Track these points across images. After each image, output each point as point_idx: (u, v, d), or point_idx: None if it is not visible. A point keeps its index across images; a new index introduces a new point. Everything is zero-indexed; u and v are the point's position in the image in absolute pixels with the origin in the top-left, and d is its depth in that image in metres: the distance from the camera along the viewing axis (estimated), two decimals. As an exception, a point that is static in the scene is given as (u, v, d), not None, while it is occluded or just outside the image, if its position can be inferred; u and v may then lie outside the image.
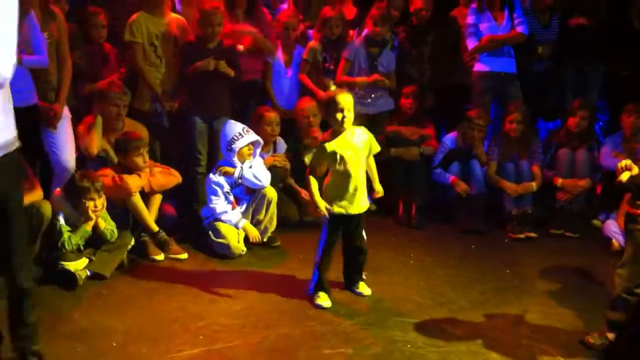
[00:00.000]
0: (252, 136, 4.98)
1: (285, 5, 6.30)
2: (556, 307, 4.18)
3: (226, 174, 4.98)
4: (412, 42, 6.25)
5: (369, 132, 4.17)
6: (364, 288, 4.29)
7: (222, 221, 4.95)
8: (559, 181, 5.75)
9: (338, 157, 4.01)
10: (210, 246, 4.95)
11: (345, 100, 3.98)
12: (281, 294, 4.25)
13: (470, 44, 6.04)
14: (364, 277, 4.33)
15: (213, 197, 4.98)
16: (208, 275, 4.60)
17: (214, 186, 4.96)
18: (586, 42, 6.07)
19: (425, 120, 6.13)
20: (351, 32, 6.22)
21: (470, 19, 6.03)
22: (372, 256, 4.47)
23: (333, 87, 4.21)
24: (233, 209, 5.02)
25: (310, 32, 6.19)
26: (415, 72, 6.21)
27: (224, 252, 4.89)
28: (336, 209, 4.06)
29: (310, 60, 5.98)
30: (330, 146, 4.01)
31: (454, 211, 5.74)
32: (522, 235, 5.40)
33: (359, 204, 4.11)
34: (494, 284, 4.50)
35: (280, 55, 5.99)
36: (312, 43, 6.03)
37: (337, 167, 4.03)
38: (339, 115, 3.97)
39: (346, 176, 4.04)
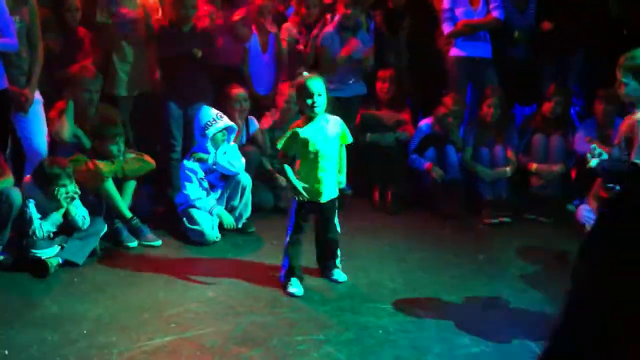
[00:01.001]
0: (225, 121, 4.95)
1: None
2: (527, 291, 4.21)
3: (200, 161, 4.95)
4: (388, 26, 6.22)
5: (343, 123, 4.15)
6: (339, 275, 4.30)
7: (196, 208, 4.93)
8: (534, 166, 5.78)
9: (309, 143, 3.99)
10: (185, 233, 4.93)
11: (315, 85, 3.95)
12: (255, 281, 4.25)
13: (446, 28, 6.03)
14: (338, 264, 4.33)
15: (187, 184, 4.95)
16: (181, 262, 4.58)
17: (187, 172, 4.94)
18: (563, 30, 6.07)
19: (402, 105, 6.12)
20: (327, 16, 6.17)
21: (445, 4, 6.01)
22: (346, 242, 4.48)
23: (305, 73, 4.17)
24: (207, 195, 5.00)
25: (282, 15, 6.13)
26: (392, 57, 6.19)
27: (198, 239, 4.87)
28: (308, 197, 4.03)
29: (287, 39, 5.94)
30: (301, 132, 3.99)
31: (430, 197, 5.75)
32: (496, 220, 5.42)
33: (329, 192, 4.10)
34: (467, 269, 4.53)
35: (256, 39, 5.94)
36: (287, 24, 5.98)
37: (308, 153, 4.00)
38: (309, 101, 3.95)
39: (316, 163, 4.02)
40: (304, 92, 3.96)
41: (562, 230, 5.29)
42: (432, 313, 3.87)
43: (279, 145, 4.03)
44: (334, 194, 4.16)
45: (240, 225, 5.07)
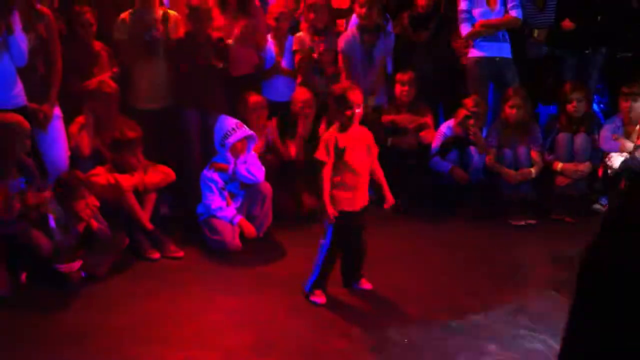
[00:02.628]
0: (245, 131, 4.93)
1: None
2: (556, 295, 4.11)
3: (220, 170, 4.93)
4: (415, 28, 6.15)
5: (369, 133, 4.11)
6: (365, 283, 4.21)
7: (217, 217, 4.91)
8: (559, 165, 5.67)
9: (345, 153, 3.93)
10: (206, 243, 4.91)
11: (355, 96, 3.91)
12: (277, 289, 4.21)
13: (464, 29, 5.96)
14: (363, 272, 4.25)
15: (208, 194, 4.94)
16: (203, 272, 4.56)
17: (208, 182, 4.92)
18: (585, 28, 5.97)
19: (423, 108, 6.05)
20: (339, 21, 6.14)
21: (463, 5, 5.95)
22: (369, 247, 4.41)
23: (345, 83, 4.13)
24: (228, 204, 4.98)
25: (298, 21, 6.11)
26: (419, 59, 6.10)
27: (219, 249, 4.85)
28: (342, 206, 3.96)
29: (301, 50, 5.91)
30: (340, 141, 3.93)
31: (454, 200, 5.67)
32: (522, 222, 5.33)
33: (362, 201, 4.05)
34: (493, 273, 4.44)
35: (272, 48, 5.92)
36: (300, 33, 5.95)
37: (343, 163, 3.94)
38: (349, 112, 3.89)
39: (352, 172, 3.96)
40: (344, 103, 3.90)
41: (589, 231, 5.15)
42: (458, 319, 3.80)
43: (319, 157, 3.93)
44: (365, 202, 4.09)
45: (261, 234, 5.03)
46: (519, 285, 4.26)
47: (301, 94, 5.70)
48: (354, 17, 6.08)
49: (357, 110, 3.90)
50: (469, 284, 4.27)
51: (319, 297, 4.02)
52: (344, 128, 3.95)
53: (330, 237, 3.98)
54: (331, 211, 3.89)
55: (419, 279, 4.36)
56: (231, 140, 4.88)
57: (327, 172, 3.91)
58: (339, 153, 3.93)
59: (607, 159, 4.15)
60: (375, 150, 4.10)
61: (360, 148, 3.98)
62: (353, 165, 3.95)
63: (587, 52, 6.07)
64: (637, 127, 5.26)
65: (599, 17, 5.95)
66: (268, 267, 4.64)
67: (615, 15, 5.95)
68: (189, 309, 3.99)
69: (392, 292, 4.16)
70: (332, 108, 4.07)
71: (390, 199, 4.13)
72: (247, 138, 4.97)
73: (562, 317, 3.81)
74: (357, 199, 4.01)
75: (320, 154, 3.93)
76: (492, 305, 3.97)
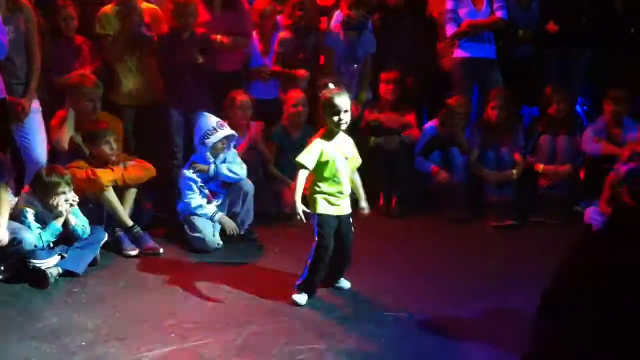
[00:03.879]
0: (226, 131, 4.90)
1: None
2: (537, 296, 4.09)
3: (201, 172, 4.91)
4: (387, 28, 6.16)
5: (353, 143, 4.10)
6: (343, 282, 4.21)
7: (197, 215, 4.88)
8: (541, 167, 5.69)
9: (330, 160, 3.93)
10: (187, 241, 4.88)
11: (342, 101, 3.87)
12: (256, 289, 4.17)
13: (450, 30, 5.96)
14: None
15: (188, 192, 4.91)
16: (183, 271, 4.52)
17: (187, 181, 4.89)
18: (569, 30, 5.99)
19: (407, 108, 6.04)
20: (323, 19, 6.11)
21: (449, 5, 5.94)
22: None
23: (331, 86, 4.05)
24: (209, 202, 4.95)
25: (280, 18, 6.07)
26: (392, 59, 6.11)
27: (200, 247, 4.82)
28: (329, 210, 3.96)
29: (282, 51, 5.87)
30: (326, 148, 3.92)
31: (436, 200, 5.68)
32: (503, 224, 5.34)
33: (347, 204, 4.05)
34: (474, 274, 4.44)
35: (257, 45, 5.89)
36: (283, 34, 5.91)
37: (328, 170, 3.94)
38: (335, 118, 3.87)
39: (336, 179, 3.96)
40: (331, 108, 3.88)
41: (570, 232, 5.19)
42: (437, 320, 3.80)
43: (301, 159, 3.92)
44: (349, 209, 4.08)
45: (242, 232, 5.00)
46: (500, 286, 4.26)
47: (296, 92, 5.66)
48: (337, 14, 6.05)
49: (344, 116, 3.88)
50: (450, 286, 4.27)
51: (301, 299, 3.97)
52: (330, 135, 3.94)
53: (318, 240, 3.95)
54: (301, 213, 3.88)
55: (400, 280, 4.35)
56: (212, 140, 4.85)
57: (303, 176, 3.90)
58: (323, 163, 3.93)
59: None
60: (357, 160, 4.10)
61: (343, 156, 3.98)
62: (336, 175, 3.96)
63: (571, 53, 6.09)
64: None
65: (583, 19, 5.97)
66: (249, 266, 4.61)
67: (600, 18, 5.96)
68: (167, 307, 3.95)
69: (371, 294, 4.15)
70: (320, 113, 4.05)
71: (363, 207, 4.18)
72: (228, 138, 4.93)
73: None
74: (343, 204, 4.02)
75: (303, 159, 3.91)
76: (473, 306, 3.96)
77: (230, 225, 4.90)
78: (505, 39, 6.07)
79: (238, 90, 5.51)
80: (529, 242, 5.05)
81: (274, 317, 3.83)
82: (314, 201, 3.97)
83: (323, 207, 3.96)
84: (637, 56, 5.81)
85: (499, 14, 5.93)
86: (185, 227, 4.90)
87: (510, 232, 5.29)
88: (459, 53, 6.02)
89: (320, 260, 3.97)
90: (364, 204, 4.18)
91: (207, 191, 4.97)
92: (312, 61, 5.98)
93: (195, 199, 4.90)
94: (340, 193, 3.99)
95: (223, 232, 4.90)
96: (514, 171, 5.66)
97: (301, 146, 5.49)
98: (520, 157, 5.71)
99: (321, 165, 3.93)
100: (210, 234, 4.82)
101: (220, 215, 4.90)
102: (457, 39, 5.99)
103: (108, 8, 5.28)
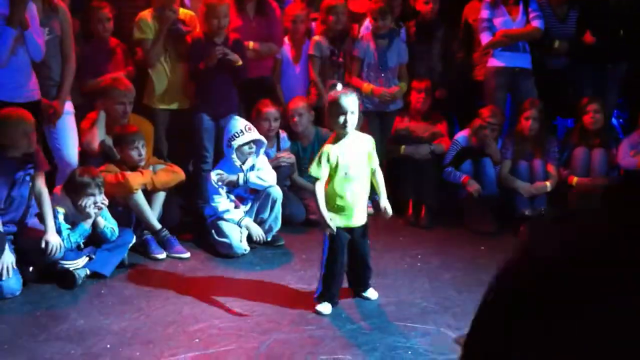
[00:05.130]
0: (253, 134, 4.88)
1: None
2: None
3: (230, 184, 4.90)
4: (420, 37, 6.11)
5: (373, 142, 4.01)
6: (371, 293, 4.15)
7: (224, 220, 4.87)
8: (574, 180, 5.58)
9: (338, 164, 3.83)
10: (213, 245, 4.87)
11: (349, 101, 3.77)
12: (282, 296, 4.15)
13: (485, 38, 5.88)
14: (370, 282, 4.18)
15: (215, 196, 4.90)
16: (209, 275, 4.52)
17: (215, 184, 4.88)
18: (606, 42, 5.88)
19: (437, 117, 5.98)
20: (354, 25, 6.08)
21: (484, 14, 5.87)
22: (376, 258, 4.35)
23: (339, 87, 4.05)
24: (236, 207, 4.94)
25: (313, 24, 6.06)
26: (423, 68, 6.05)
27: (226, 252, 4.81)
28: (337, 221, 3.86)
29: (317, 54, 5.85)
30: (332, 152, 3.83)
31: (465, 212, 5.59)
32: (534, 237, 5.24)
33: (361, 214, 3.94)
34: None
35: (288, 51, 5.89)
36: (317, 37, 5.90)
37: (337, 174, 3.84)
38: (341, 118, 3.78)
39: (346, 184, 3.85)
40: (336, 109, 3.79)
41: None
42: (463, 333, 3.73)
43: (312, 172, 3.86)
44: (365, 218, 4.00)
45: (269, 238, 4.99)
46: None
47: (292, 102, 5.64)
48: (366, 22, 6.02)
49: (351, 116, 3.77)
50: (476, 299, 4.15)
51: (325, 307, 3.94)
52: (338, 137, 3.86)
53: (326, 252, 3.89)
54: (330, 227, 3.80)
55: (424, 293, 4.28)
56: (237, 142, 4.84)
57: (320, 187, 3.82)
58: (334, 166, 3.82)
59: None
60: (375, 158, 4.00)
61: (357, 157, 3.87)
62: (348, 177, 3.84)
63: (607, 65, 5.97)
64: None
65: (620, 31, 5.85)
66: (275, 272, 4.58)
67: (637, 31, 5.84)
68: (192, 312, 3.95)
69: (397, 305, 4.09)
70: (327, 116, 3.96)
71: (385, 211, 4.02)
72: (256, 142, 4.91)
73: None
74: (356, 214, 3.91)
75: (313, 169, 3.85)
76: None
77: (257, 231, 4.88)
78: (541, 49, 5.98)
79: (263, 100, 5.49)
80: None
81: (298, 326, 3.81)
82: (330, 211, 3.85)
83: (336, 219, 3.85)
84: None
85: (535, 24, 5.84)
86: (212, 231, 4.89)
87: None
88: (493, 62, 5.94)
89: (332, 274, 3.91)
90: (383, 202, 4.02)
91: (232, 196, 4.96)
92: (345, 67, 5.96)
93: (223, 203, 4.89)
94: (353, 200, 3.86)
95: (249, 238, 4.88)
96: (547, 183, 5.55)
97: (313, 152, 5.55)
98: (554, 169, 5.61)
99: (332, 171, 3.83)
100: (237, 239, 4.81)
101: (247, 220, 4.89)
102: (491, 48, 5.91)
103: (146, 13, 5.32)
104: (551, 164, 5.64)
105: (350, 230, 3.95)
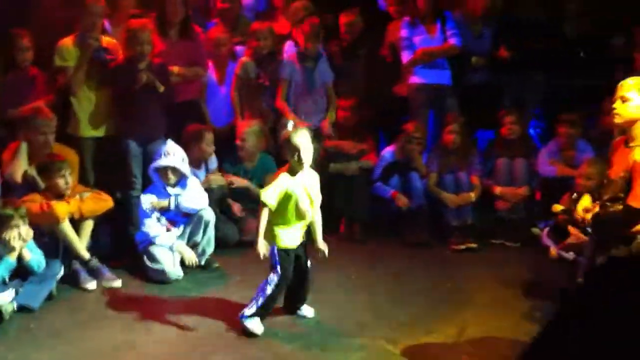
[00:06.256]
0: (169, 160, 4.83)
1: (215, 22, 6.21)
2: (497, 318, 4.14)
3: (162, 210, 4.85)
4: (344, 56, 6.23)
5: (317, 179, 4.09)
6: (307, 310, 4.18)
7: (156, 245, 4.81)
8: (498, 190, 5.78)
9: (292, 197, 3.92)
10: (145, 272, 4.80)
11: (301, 140, 3.89)
12: (219, 319, 4.10)
13: (405, 57, 6.05)
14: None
15: (146, 221, 4.83)
16: (142, 302, 4.43)
17: (144, 209, 4.82)
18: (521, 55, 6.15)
19: (364, 134, 6.10)
20: (283, 46, 6.15)
21: (403, 32, 6.05)
22: (314, 274, 4.37)
23: (290, 126, 4.08)
24: (168, 231, 4.88)
25: (240, 48, 6.11)
26: (348, 87, 6.16)
27: (159, 278, 4.74)
28: (286, 246, 3.97)
29: (242, 76, 5.89)
30: (290, 185, 3.92)
31: (396, 225, 5.71)
32: (463, 247, 5.39)
33: (299, 239, 4.07)
34: (436, 298, 4.46)
35: (212, 73, 5.90)
36: (244, 58, 5.94)
37: (289, 205, 3.93)
38: (295, 156, 3.89)
39: (296, 216, 3.97)
40: (290, 147, 3.90)
41: (528, 254, 5.28)
42: (402, 345, 3.78)
43: (264, 197, 3.90)
44: (304, 239, 4.11)
45: (203, 262, 4.95)
46: (461, 309, 4.28)
47: (242, 125, 5.67)
48: (289, 44, 6.09)
49: (304, 154, 3.88)
50: (413, 310, 4.27)
51: (256, 326, 3.92)
52: (293, 171, 3.95)
53: (279, 273, 3.94)
54: (263, 251, 3.88)
55: (362, 306, 4.34)
56: (156, 164, 4.83)
57: (265, 214, 3.91)
58: (285, 199, 3.92)
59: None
60: (319, 195, 4.09)
61: (305, 190, 3.98)
62: (298, 210, 3.96)
63: (524, 78, 6.23)
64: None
65: (534, 45, 6.12)
66: (210, 296, 4.54)
67: (550, 43, 6.12)
68: (126, 340, 3.86)
69: (335, 320, 4.12)
70: (283, 151, 4.06)
71: (321, 247, 4.11)
72: (171, 169, 4.86)
73: (505, 338, 3.86)
74: (300, 237, 4.05)
75: (267, 196, 3.90)
76: (435, 330, 3.97)
77: (190, 255, 4.84)
78: (459, 65, 6.18)
79: (203, 124, 5.54)
80: (489, 264, 5.09)
81: (236, 347, 3.78)
82: (275, 234, 3.96)
83: (284, 241, 3.97)
84: (587, 80, 5.97)
85: (452, 41, 6.04)
86: (144, 257, 4.82)
87: (471, 255, 5.34)
88: (414, 79, 6.12)
89: (279, 292, 3.98)
90: (320, 245, 4.12)
91: (164, 220, 4.91)
92: (273, 88, 6.00)
93: (154, 227, 4.83)
94: (300, 227, 4.02)
95: (183, 262, 4.83)
96: (472, 194, 5.73)
97: (254, 176, 5.57)
98: (478, 180, 5.79)
99: (284, 201, 3.93)
100: (170, 264, 4.75)
101: (179, 244, 4.84)
102: (412, 66, 6.08)
103: (67, 40, 5.24)
104: (475, 175, 5.82)
105: (294, 251, 4.04)
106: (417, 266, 5.06)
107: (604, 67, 5.95)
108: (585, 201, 4.65)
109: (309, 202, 4.01)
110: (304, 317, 4.16)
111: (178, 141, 5.18)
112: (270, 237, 3.96)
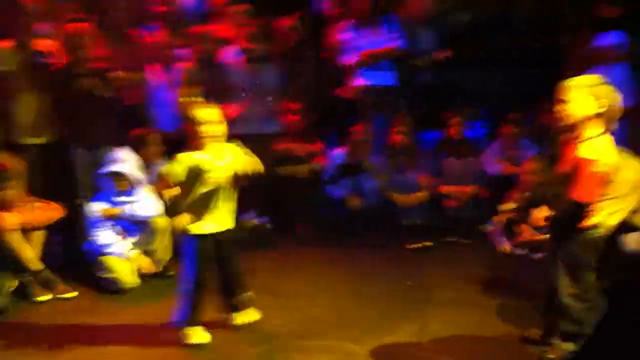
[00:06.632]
0: (121, 166, 4.76)
1: (157, 26, 6.11)
2: (458, 314, 4.22)
3: (113, 217, 4.74)
4: (289, 59, 6.23)
5: (240, 152, 3.78)
6: (241, 316, 3.98)
7: (109, 254, 4.69)
8: (447, 189, 5.91)
9: (201, 171, 3.66)
10: (99, 282, 4.68)
11: (206, 114, 3.66)
12: (174, 329, 3.95)
13: (350, 59, 6.11)
14: (247, 300, 4.01)
15: (97, 230, 4.72)
16: (96, 314, 4.30)
17: (96, 219, 4.70)
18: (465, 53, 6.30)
19: (313, 137, 6.12)
20: (226, 50, 6.09)
21: (347, 35, 6.10)
22: (273, 277, 4.38)
23: (195, 99, 3.93)
24: (122, 239, 4.78)
25: (182, 51, 6.01)
26: (294, 90, 6.15)
27: (113, 288, 4.63)
28: (199, 229, 3.73)
29: (186, 80, 5.80)
30: (192, 158, 3.67)
31: (350, 226, 5.75)
32: (417, 245, 5.47)
33: (225, 222, 3.79)
34: (397, 297, 4.50)
35: (157, 77, 5.81)
36: (187, 63, 5.86)
37: (198, 183, 3.68)
38: (197, 129, 3.65)
39: (209, 194, 3.70)
40: (193, 121, 3.66)
41: (479, 251, 5.40)
42: (365, 346, 3.80)
43: (166, 171, 3.68)
44: (231, 224, 3.86)
45: (160, 269, 4.86)
46: (422, 307, 4.33)
47: None
48: (234, 47, 6.04)
49: (208, 127, 3.64)
50: (375, 310, 4.30)
51: (199, 338, 3.78)
52: (197, 146, 3.70)
53: (193, 263, 3.72)
54: (179, 228, 3.69)
55: (324, 308, 4.34)
56: (104, 171, 4.73)
57: (174, 191, 3.69)
58: (194, 171, 3.66)
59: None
60: (242, 167, 3.74)
61: (218, 168, 3.70)
62: (208, 187, 3.69)
63: (469, 77, 6.38)
64: None
65: (479, 45, 6.28)
66: (167, 304, 4.41)
67: (495, 43, 6.30)
68: (80, 353, 3.75)
69: (298, 323, 4.10)
70: (186, 127, 3.74)
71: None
72: (123, 176, 4.77)
73: (462, 335, 3.92)
74: (217, 223, 3.77)
75: (169, 172, 3.66)
76: (397, 329, 4.01)
77: (145, 263, 4.75)
78: (405, 66, 6.28)
79: (148, 127, 5.42)
80: (442, 262, 5.18)
81: (197, 355, 3.71)
82: (187, 219, 3.71)
83: (198, 226, 3.72)
84: (532, 79, 6.16)
85: (396, 43, 6.14)
86: (97, 267, 4.70)
87: (425, 253, 5.42)
88: (360, 81, 6.18)
89: (199, 291, 3.75)
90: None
91: (117, 228, 4.80)
92: (217, 92, 5.93)
93: (105, 236, 4.72)
94: (217, 207, 3.73)
95: (139, 271, 4.73)
96: (422, 194, 5.83)
97: None
98: (427, 180, 5.90)
99: (192, 179, 3.66)
100: (124, 273, 4.65)
101: (135, 253, 4.74)
102: (357, 68, 6.14)
103: (5, 44, 5.05)
104: (423, 175, 5.93)
105: (215, 237, 3.79)
106: (375, 266, 5.11)
107: (549, 66, 6.13)
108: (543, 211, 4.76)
109: (224, 176, 3.72)
110: (237, 327, 3.95)
111: (124, 146, 5.08)
112: (185, 224, 3.72)
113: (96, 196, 4.89)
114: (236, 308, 3.99)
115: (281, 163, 5.85)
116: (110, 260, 4.68)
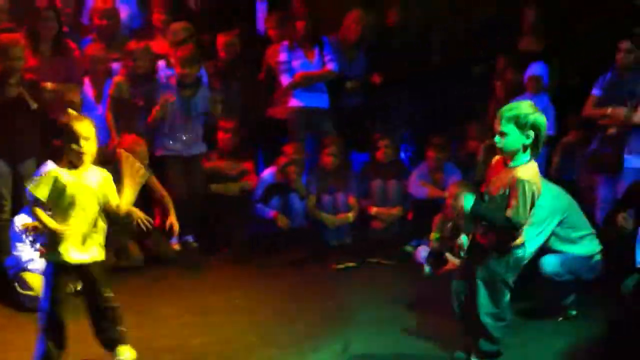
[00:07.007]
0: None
1: (91, 38, 6.05)
2: (380, 334, 4.28)
3: (37, 233, 4.61)
4: (221, 77, 6.24)
5: (107, 176, 3.54)
6: (124, 354, 3.61)
7: (29, 270, 4.59)
8: (373, 210, 6.02)
9: (67, 192, 3.39)
10: (17, 298, 4.56)
11: (84, 128, 3.37)
12: (96, 349, 3.79)
13: (284, 80, 6.18)
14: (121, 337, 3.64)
15: (18, 244, 4.61)
16: (16, 332, 4.19)
17: (17, 233, 4.59)
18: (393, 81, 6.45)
19: (244, 155, 6.14)
20: (159, 63, 6.04)
21: (282, 56, 6.18)
22: (197, 297, 4.34)
23: (71, 111, 3.50)
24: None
25: (116, 65, 5.96)
26: (225, 108, 6.11)
27: (32, 305, 4.47)
28: (56, 257, 3.45)
29: (116, 95, 5.73)
30: (60, 177, 3.38)
31: (277, 245, 5.78)
32: (342, 266, 5.54)
33: (90, 251, 3.49)
34: (319, 317, 4.55)
35: (89, 91, 5.74)
36: (118, 77, 5.79)
37: (62, 204, 3.40)
38: (74, 146, 3.37)
39: (77, 215, 3.42)
40: (69, 135, 3.37)
41: (402, 272, 5.49)
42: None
43: (32, 189, 3.36)
44: (99, 256, 3.54)
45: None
46: (344, 327, 4.37)
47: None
48: (162, 64, 5.96)
49: (85, 145, 3.37)
50: (297, 330, 4.33)
51: None
52: (71, 164, 3.43)
53: (48, 293, 3.44)
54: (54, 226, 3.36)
55: (246, 328, 4.33)
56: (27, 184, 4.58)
57: (40, 210, 3.39)
58: (59, 191, 3.38)
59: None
60: (112, 199, 3.52)
61: (84, 190, 3.43)
62: (78, 207, 3.41)
63: (397, 101, 6.54)
64: None
65: (406, 71, 6.44)
66: (85, 324, 4.34)
67: (421, 70, 6.47)
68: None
69: (220, 344, 4.07)
70: (61, 141, 3.43)
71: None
72: None
73: (384, 354, 3.99)
74: (83, 248, 3.47)
75: (34, 188, 3.36)
76: (319, 349, 4.03)
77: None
78: (336, 89, 6.40)
79: None
80: (366, 282, 5.26)
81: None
82: (52, 242, 3.43)
83: (62, 253, 3.42)
84: (455, 105, 6.36)
85: (330, 67, 6.25)
86: (16, 284, 4.59)
87: (350, 273, 5.49)
88: (293, 102, 6.26)
89: (58, 324, 3.45)
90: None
91: (38, 245, 4.68)
92: (148, 109, 5.87)
93: (26, 251, 4.60)
94: (79, 236, 3.43)
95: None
96: (350, 215, 5.93)
97: None
98: (355, 201, 6.00)
99: (57, 197, 3.38)
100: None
101: (55, 269, 4.63)
102: (291, 89, 6.22)
103: None
104: (352, 196, 6.03)
105: (79, 268, 3.50)
106: (299, 285, 5.14)
107: (466, 93, 6.34)
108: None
109: (90, 200, 3.43)
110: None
111: (48, 159, 4.98)
112: (46, 250, 3.46)
113: (22, 209, 4.76)
114: (109, 346, 3.63)
115: (211, 181, 5.84)
116: (30, 277, 4.56)
